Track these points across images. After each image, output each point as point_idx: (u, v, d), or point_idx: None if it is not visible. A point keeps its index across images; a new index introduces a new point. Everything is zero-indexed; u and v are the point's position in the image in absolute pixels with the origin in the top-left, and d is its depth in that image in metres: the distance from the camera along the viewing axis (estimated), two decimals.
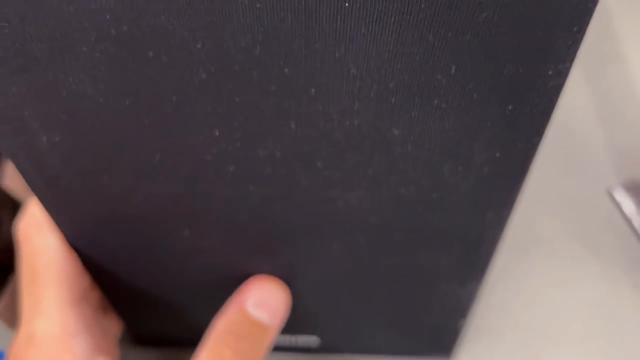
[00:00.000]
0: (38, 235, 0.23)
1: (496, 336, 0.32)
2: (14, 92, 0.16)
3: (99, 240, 0.22)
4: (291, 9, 0.14)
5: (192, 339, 0.31)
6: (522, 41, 0.14)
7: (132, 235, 0.22)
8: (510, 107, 0.16)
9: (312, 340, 0.30)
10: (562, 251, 0.35)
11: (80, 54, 0.15)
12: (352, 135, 0.17)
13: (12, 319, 0.27)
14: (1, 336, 0.30)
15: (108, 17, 0.14)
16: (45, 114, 0.17)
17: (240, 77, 0.15)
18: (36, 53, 0.15)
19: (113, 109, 0.17)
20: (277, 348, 0.31)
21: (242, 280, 0.25)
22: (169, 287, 0.26)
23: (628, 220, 0.36)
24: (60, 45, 0.15)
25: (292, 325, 0.29)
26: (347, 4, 0.14)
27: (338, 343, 0.30)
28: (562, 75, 0.15)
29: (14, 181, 0.27)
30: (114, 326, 0.28)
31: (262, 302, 0.23)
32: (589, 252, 0.35)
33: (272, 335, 0.24)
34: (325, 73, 0.15)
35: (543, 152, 0.18)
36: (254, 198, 0.20)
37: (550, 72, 0.15)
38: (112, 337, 0.27)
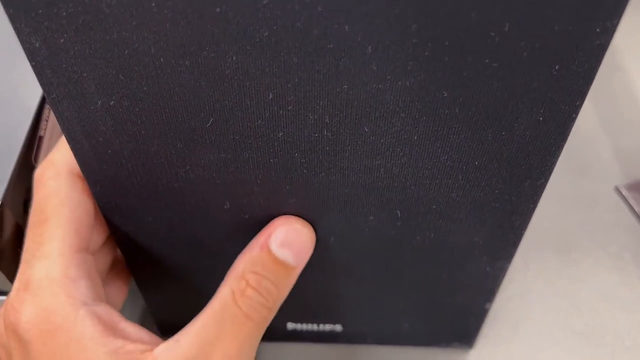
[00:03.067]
0: (53, 179, 0.22)
1: (514, 327, 0.33)
2: (75, 51, 0.17)
3: (139, 215, 0.22)
4: None
5: None
6: None
7: (172, 209, 0.22)
8: (557, 67, 0.17)
9: (335, 328, 0.30)
10: (575, 246, 0.36)
11: (149, 9, 0.15)
12: (402, 97, 0.18)
13: None
14: None
15: None
16: (104, 75, 0.17)
17: (301, 35, 0.16)
18: (105, 9, 0.15)
19: (172, 70, 0.17)
20: (300, 337, 0.31)
21: None
22: (202, 271, 0.26)
23: (636, 216, 0.37)
24: (130, 0, 0.15)
25: (316, 314, 0.29)
26: None
27: (361, 331, 0.30)
28: (608, 33, 0.16)
29: None
30: (119, 294, 0.27)
31: (288, 241, 0.22)
32: (600, 247, 0.36)
33: (296, 275, 0.23)
34: (384, 30, 0.16)
35: None
36: (298, 167, 0.20)
37: (598, 30, 0.16)
38: (115, 303, 0.27)
